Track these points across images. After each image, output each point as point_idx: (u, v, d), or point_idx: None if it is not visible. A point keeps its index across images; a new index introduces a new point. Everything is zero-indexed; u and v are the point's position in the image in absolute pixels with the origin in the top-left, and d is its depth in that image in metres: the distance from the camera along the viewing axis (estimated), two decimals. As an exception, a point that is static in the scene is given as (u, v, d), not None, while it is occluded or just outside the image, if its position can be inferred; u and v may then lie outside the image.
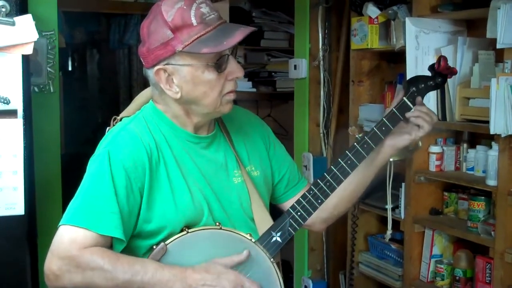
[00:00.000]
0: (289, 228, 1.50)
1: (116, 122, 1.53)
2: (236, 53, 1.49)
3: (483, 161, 2.41)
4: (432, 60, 2.51)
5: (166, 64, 1.41)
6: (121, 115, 1.56)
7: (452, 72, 1.65)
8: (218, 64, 1.41)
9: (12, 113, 2.04)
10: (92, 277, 1.31)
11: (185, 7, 1.37)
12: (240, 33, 1.38)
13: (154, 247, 1.41)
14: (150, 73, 1.45)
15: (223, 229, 1.45)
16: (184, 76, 1.41)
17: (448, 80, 2.35)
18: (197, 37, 1.37)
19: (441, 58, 1.61)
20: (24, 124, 2.07)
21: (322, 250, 3.52)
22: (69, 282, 1.32)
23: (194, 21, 1.37)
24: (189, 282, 1.34)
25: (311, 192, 1.52)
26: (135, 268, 1.32)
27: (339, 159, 1.54)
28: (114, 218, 1.35)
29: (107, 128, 1.54)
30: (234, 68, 1.44)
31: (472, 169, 2.51)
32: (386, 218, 2.81)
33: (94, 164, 1.41)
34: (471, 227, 2.42)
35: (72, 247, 1.31)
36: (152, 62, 1.42)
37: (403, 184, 2.71)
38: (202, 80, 1.41)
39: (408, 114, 1.57)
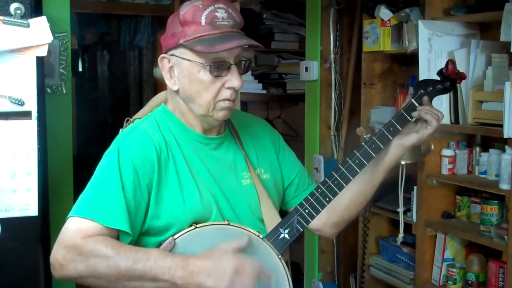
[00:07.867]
0: (297, 225, 1.51)
1: (128, 123, 1.57)
2: (247, 67, 1.50)
3: (496, 165, 2.40)
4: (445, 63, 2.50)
5: (171, 54, 1.48)
6: (134, 116, 1.60)
7: (461, 77, 1.66)
8: (213, 67, 1.43)
9: (26, 115, 2.05)
10: (95, 265, 1.32)
11: (200, 6, 1.42)
12: (237, 42, 1.41)
13: (163, 242, 1.42)
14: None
15: (231, 225, 1.46)
16: (183, 70, 1.47)
17: (462, 83, 2.37)
18: (199, 35, 1.42)
19: (449, 62, 1.62)
20: (38, 126, 2.08)
21: (333, 253, 3.51)
22: (74, 270, 1.33)
23: (202, 21, 1.42)
24: (190, 269, 1.33)
25: (319, 190, 1.53)
26: (138, 255, 1.33)
27: (347, 158, 1.55)
28: (120, 211, 1.37)
29: (120, 129, 1.57)
30: (232, 78, 1.45)
31: (485, 172, 2.50)
32: (398, 221, 2.80)
33: (104, 160, 1.44)
34: (484, 231, 2.41)
35: (76, 236, 1.34)
36: (164, 50, 1.50)
37: (415, 187, 2.70)
38: (197, 79, 1.45)
39: (414, 114, 1.58)
